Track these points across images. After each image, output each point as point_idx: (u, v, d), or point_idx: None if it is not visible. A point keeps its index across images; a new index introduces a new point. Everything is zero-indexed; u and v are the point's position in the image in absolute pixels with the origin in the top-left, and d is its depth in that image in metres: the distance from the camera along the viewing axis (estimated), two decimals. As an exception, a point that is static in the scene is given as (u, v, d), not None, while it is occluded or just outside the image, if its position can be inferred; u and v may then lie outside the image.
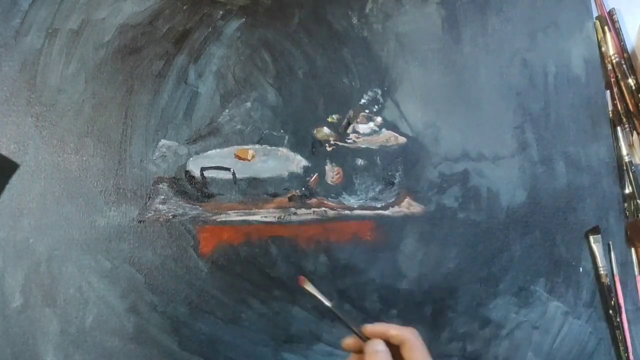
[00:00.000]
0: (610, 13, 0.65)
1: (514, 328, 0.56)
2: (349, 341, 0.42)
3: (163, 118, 0.53)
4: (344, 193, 0.55)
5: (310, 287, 0.42)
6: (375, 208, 0.55)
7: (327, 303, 0.41)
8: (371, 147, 0.57)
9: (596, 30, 0.64)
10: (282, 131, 0.55)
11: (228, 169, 0.54)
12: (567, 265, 0.58)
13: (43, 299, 0.49)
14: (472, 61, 0.60)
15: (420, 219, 0.56)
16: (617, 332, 0.57)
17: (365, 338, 0.41)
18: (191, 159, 0.53)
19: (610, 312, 0.58)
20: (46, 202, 0.50)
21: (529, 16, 0.62)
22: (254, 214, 0.53)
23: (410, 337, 0.41)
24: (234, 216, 0.53)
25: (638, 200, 0.60)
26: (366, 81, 0.58)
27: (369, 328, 0.42)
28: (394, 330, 0.41)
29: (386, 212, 0.55)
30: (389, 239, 0.55)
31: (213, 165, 0.53)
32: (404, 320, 0.54)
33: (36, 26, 0.52)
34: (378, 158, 0.57)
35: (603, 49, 0.64)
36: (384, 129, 0.57)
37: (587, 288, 0.58)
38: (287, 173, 0.55)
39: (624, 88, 0.63)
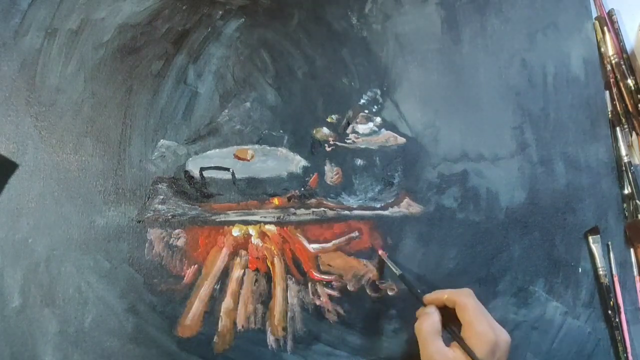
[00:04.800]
0: (610, 14, 0.65)
1: (512, 328, 0.56)
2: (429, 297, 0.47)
3: (162, 118, 0.53)
4: (343, 193, 0.55)
5: (386, 259, 0.53)
6: (375, 208, 0.55)
7: (397, 272, 0.51)
8: (370, 147, 0.57)
9: (595, 31, 0.64)
10: (281, 131, 0.55)
11: (227, 169, 0.54)
12: (566, 266, 0.58)
13: (42, 299, 0.49)
14: (471, 61, 0.60)
15: (419, 219, 0.56)
16: (616, 332, 0.57)
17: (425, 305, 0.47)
18: (190, 159, 0.53)
19: (610, 312, 0.58)
20: (45, 202, 0.50)
21: (528, 17, 0.63)
22: (253, 214, 0.53)
23: (460, 299, 0.44)
24: (233, 216, 0.53)
25: (637, 201, 0.60)
26: (365, 81, 0.58)
27: (426, 297, 0.47)
28: (446, 295, 0.45)
29: (385, 213, 0.55)
30: (388, 240, 0.55)
31: (212, 165, 0.53)
32: (403, 320, 0.54)
33: (35, 26, 0.52)
34: (377, 158, 0.57)
35: (602, 49, 0.64)
36: (383, 129, 0.57)
37: (586, 288, 0.58)
38: (286, 173, 0.55)
39: (623, 89, 0.63)
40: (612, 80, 0.63)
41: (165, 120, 0.53)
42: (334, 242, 0.54)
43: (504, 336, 0.42)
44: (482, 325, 0.41)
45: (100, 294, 0.49)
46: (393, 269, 0.51)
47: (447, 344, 0.43)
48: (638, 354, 0.58)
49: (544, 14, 0.63)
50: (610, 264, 0.59)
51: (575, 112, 0.61)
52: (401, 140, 0.57)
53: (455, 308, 0.44)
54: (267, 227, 0.53)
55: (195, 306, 0.51)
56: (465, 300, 0.43)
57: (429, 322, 0.43)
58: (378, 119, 0.57)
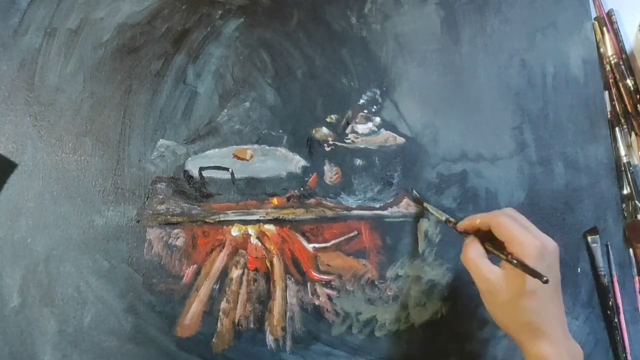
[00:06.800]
0: (609, 14, 0.65)
1: (512, 328, 0.56)
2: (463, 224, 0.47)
3: (161, 118, 0.53)
4: (342, 193, 0.55)
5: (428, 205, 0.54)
6: (374, 208, 0.55)
7: (443, 217, 0.51)
8: (370, 147, 0.57)
9: (595, 31, 0.64)
10: (280, 131, 0.55)
11: (227, 169, 0.54)
12: (565, 266, 0.58)
13: (41, 299, 0.48)
14: (470, 62, 0.60)
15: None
16: (616, 332, 0.57)
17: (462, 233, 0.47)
18: (190, 158, 0.53)
19: (609, 312, 0.58)
20: (44, 202, 0.50)
21: (527, 17, 0.63)
22: (252, 214, 0.53)
23: (492, 219, 0.43)
24: (232, 216, 0.53)
25: (636, 201, 0.60)
26: (365, 81, 0.58)
27: (459, 224, 0.47)
28: (478, 220, 0.45)
29: (384, 213, 0.55)
30: (387, 240, 0.55)
31: (212, 165, 0.53)
32: (402, 321, 0.54)
33: (35, 25, 0.52)
34: (377, 158, 0.57)
35: (601, 49, 0.64)
36: (382, 129, 0.57)
37: (585, 288, 0.58)
38: (285, 173, 0.55)
39: (622, 89, 0.63)
40: (611, 80, 0.63)
41: (165, 119, 0.53)
42: (333, 242, 0.54)
43: (550, 242, 0.42)
44: (523, 236, 0.41)
45: (99, 294, 0.49)
46: (437, 214, 0.52)
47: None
48: (637, 354, 0.58)
49: (543, 14, 0.63)
50: (609, 264, 0.59)
51: (574, 113, 0.61)
52: (400, 140, 0.57)
53: (492, 230, 0.43)
54: (267, 226, 0.53)
55: (195, 306, 0.51)
56: (497, 219, 0.43)
57: (471, 249, 0.44)
58: (377, 119, 0.57)
